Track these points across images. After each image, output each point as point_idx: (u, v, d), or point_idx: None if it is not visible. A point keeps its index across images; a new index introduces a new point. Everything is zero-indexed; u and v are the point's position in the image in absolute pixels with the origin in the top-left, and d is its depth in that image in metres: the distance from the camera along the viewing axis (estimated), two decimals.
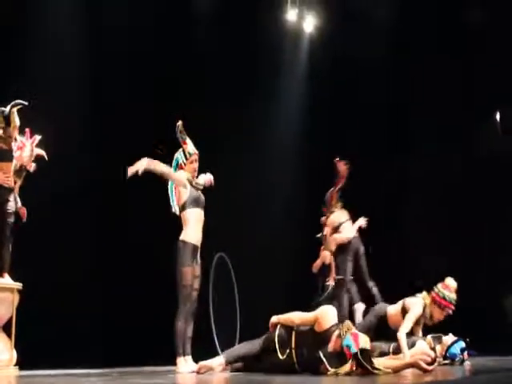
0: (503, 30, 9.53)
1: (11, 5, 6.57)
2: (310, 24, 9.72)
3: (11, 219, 5.53)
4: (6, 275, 5.50)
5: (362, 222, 7.24)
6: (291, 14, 9.47)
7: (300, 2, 9.44)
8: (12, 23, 6.61)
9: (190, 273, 5.09)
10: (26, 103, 5.47)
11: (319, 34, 9.85)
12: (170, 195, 5.41)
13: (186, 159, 5.35)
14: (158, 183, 5.46)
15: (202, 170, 5.57)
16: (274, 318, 4.77)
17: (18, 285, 5.51)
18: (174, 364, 5.16)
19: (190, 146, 5.41)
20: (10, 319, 5.40)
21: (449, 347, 6.02)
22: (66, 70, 6.98)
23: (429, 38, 10.16)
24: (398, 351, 5.53)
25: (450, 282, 5.91)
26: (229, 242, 7.73)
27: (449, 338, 6.08)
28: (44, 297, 6.01)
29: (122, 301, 6.77)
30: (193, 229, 5.19)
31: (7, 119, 5.44)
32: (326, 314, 4.56)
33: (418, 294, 5.91)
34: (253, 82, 9.03)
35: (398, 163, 10.34)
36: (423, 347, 5.68)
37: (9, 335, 5.38)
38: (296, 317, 4.72)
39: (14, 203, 5.56)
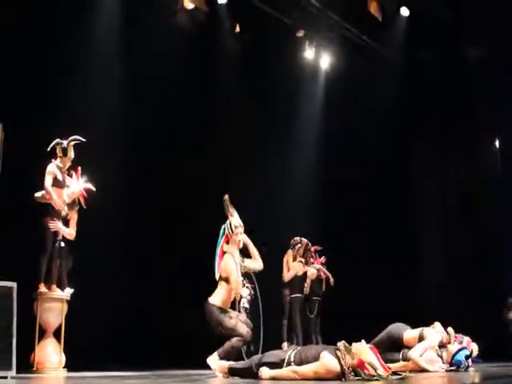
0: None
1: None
2: (325, 61, 10.57)
3: (60, 237, 6.15)
4: (55, 287, 6.10)
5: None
6: (309, 53, 10.33)
7: (317, 42, 10.28)
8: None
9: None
10: (84, 140, 6.17)
11: (334, 70, 10.64)
12: (214, 259, 5.44)
13: (232, 231, 5.40)
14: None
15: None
16: (266, 375, 4.50)
17: (67, 296, 6.14)
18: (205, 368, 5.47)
19: (235, 219, 5.45)
20: (60, 326, 6.01)
21: (454, 355, 6.28)
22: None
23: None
24: (407, 358, 6.10)
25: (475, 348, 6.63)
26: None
27: (454, 347, 6.47)
28: (89, 307, 6.62)
29: (157, 311, 7.38)
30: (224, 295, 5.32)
31: (65, 151, 6.16)
32: (328, 366, 4.30)
33: (438, 327, 6.44)
34: (275, 110, 9.84)
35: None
36: (432, 356, 6.23)
37: (58, 340, 5.99)
38: (293, 374, 4.42)
39: (63, 225, 6.17)
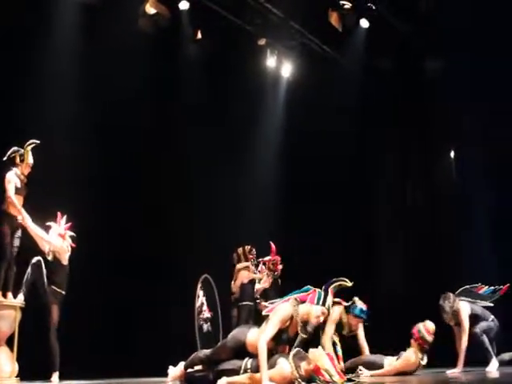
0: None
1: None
2: (287, 70, 10.69)
3: (16, 244, 6.09)
4: (10, 294, 6.02)
5: None
6: (271, 61, 10.44)
7: (278, 51, 10.39)
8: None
9: None
10: (38, 142, 6.16)
11: (295, 78, 10.76)
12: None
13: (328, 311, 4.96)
14: None
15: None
16: (223, 382, 4.52)
17: (20, 303, 6.03)
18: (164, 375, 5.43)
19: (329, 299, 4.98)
20: (13, 334, 5.89)
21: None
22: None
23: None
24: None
25: (430, 325, 6.70)
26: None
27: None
28: (44, 314, 6.35)
29: (113, 318, 7.26)
30: None
31: (22, 157, 6.11)
32: (283, 372, 4.40)
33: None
34: (236, 118, 9.88)
35: None
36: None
37: (11, 349, 5.86)
38: (249, 381, 4.49)
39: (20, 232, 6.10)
